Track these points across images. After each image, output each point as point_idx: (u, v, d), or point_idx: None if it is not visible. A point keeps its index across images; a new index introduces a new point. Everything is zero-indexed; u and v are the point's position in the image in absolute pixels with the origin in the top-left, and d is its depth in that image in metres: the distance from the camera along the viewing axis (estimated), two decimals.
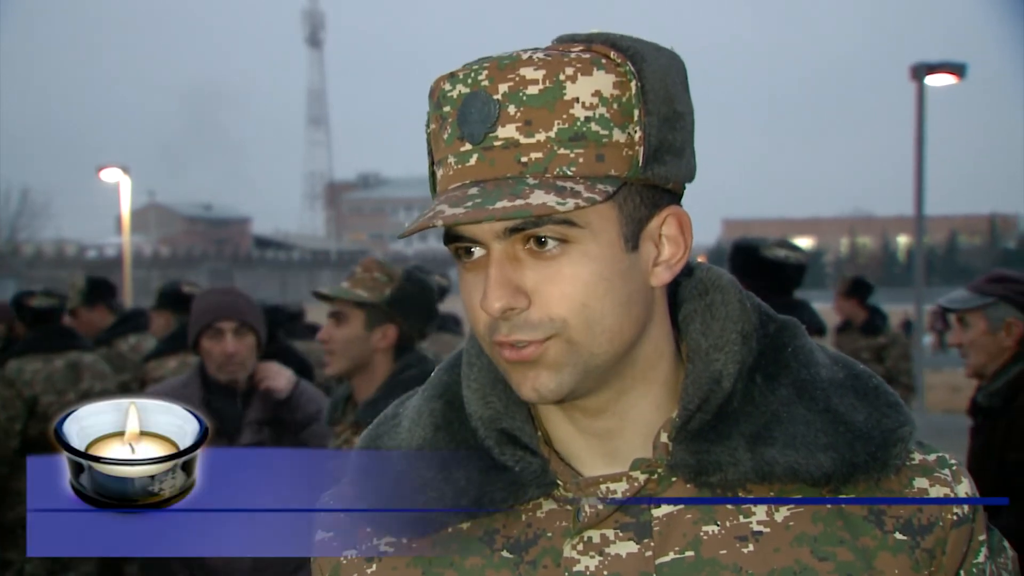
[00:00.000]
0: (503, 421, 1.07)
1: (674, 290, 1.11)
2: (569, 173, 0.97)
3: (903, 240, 79.55)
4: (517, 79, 0.97)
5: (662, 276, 1.04)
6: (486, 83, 0.98)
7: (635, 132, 0.98)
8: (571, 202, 0.94)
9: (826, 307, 9.07)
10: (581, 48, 0.99)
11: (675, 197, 1.05)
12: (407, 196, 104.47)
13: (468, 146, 0.98)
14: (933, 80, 12.78)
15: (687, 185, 1.06)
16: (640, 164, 0.98)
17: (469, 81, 0.98)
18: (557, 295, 0.98)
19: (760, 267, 3.85)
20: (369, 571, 1.10)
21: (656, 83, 0.99)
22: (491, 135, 0.97)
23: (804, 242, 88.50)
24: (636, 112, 0.98)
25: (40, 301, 5.24)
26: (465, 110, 0.98)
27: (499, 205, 0.94)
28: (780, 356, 1.09)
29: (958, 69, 12.86)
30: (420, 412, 1.12)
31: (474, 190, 0.97)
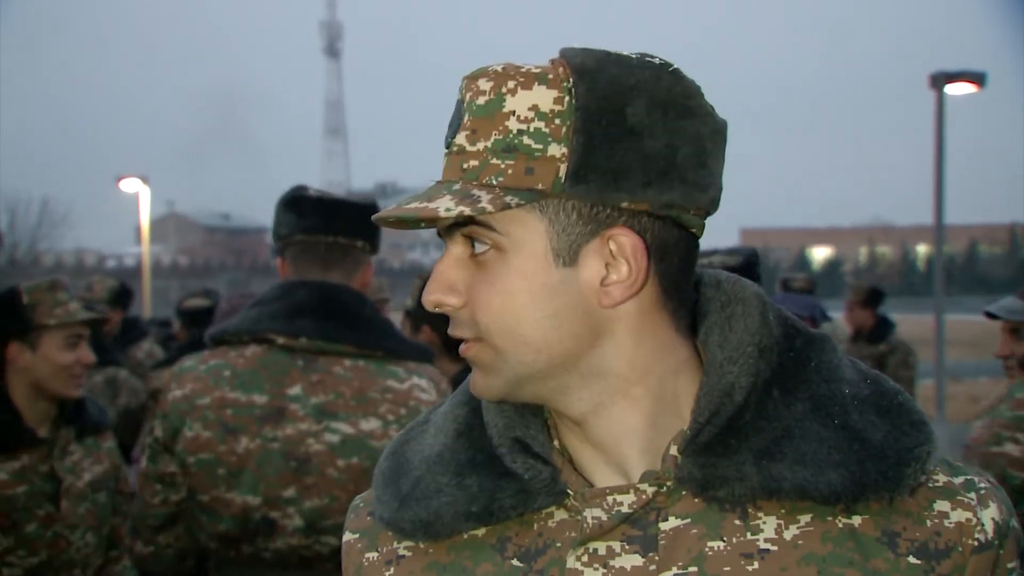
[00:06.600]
0: (517, 429, 1.07)
1: (702, 303, 1.09)
2: (495, 183, 0.99)
3: (923, 249, 79.13)
4: (475, 89, 1.01)
5: (614, 296, 1.01)
6: (463, 92, 1.03)
7: (565, 148, 0.98)
8: (458, 209, 0.97)
9: (840, 316, 9.02)
10: (544, 63, 1.01)
11: (635, 217, 1.00)
12: None
13: (445, 150, 1.04)
14: (953, 89, 12.70)
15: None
16: (563, 180, 0.98)
17: (460, 89, 1.04)
18: (483, 301, 1.01)
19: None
20: (387, 574, 1.11)
21: (594, 101, 0.98)
22: (452, 141, 1.02)
23: (823, 251, 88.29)
24: (565, 128, 0.98)
25: None
26: (452, 116, 1.04)
27: (410, 206, 0.99)
28: (802, 371, 1.05)
29: (978, 78, 12.76)
30: (446, 418, 1.13)
31: (423, 191, 1.02)
